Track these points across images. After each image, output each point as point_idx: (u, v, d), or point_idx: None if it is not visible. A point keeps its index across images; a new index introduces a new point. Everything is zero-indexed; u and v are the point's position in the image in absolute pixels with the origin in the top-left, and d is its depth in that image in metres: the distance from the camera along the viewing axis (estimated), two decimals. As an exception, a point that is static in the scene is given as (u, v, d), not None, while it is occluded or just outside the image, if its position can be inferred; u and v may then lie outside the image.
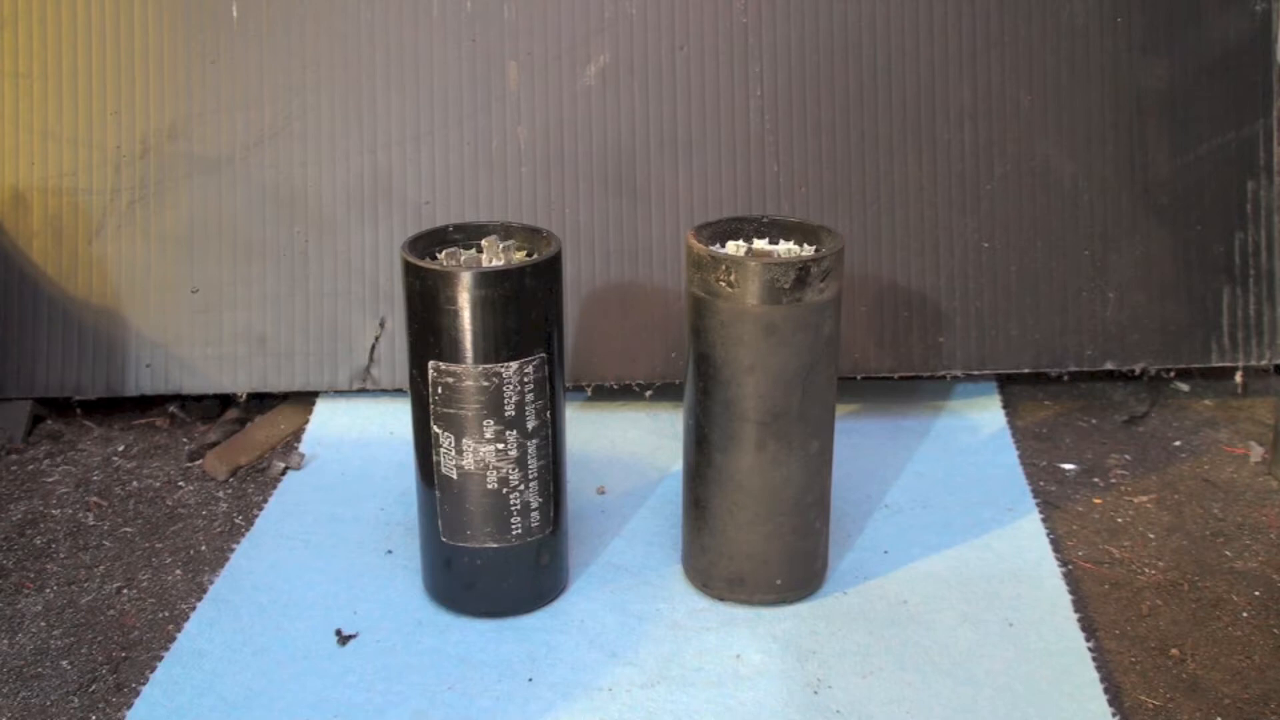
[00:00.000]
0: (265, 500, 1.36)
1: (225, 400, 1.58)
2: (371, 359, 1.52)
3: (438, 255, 1.11)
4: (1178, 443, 1.50)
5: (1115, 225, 1.54)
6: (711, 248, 1.11)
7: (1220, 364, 1.55)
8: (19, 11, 1.52)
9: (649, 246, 1.51)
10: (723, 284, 1.07)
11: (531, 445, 1.09)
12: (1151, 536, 1.29)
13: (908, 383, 1.61)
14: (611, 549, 1.27)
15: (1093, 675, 1.07)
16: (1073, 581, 1.21)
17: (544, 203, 1.52)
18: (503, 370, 1.06)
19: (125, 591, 1.20)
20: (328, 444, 1.48)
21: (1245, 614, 1.16)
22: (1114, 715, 1.02)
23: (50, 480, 1.41)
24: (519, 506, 1.10)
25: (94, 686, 1.06)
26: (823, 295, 1.08)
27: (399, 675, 1.07)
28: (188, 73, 1.52)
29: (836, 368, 1.14)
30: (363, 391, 1.53)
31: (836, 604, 1.17)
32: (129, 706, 1.03)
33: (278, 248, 1.52)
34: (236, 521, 1.33)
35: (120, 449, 1.49)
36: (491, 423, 1.07)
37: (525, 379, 1.07)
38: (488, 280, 1.04)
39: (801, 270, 1.06)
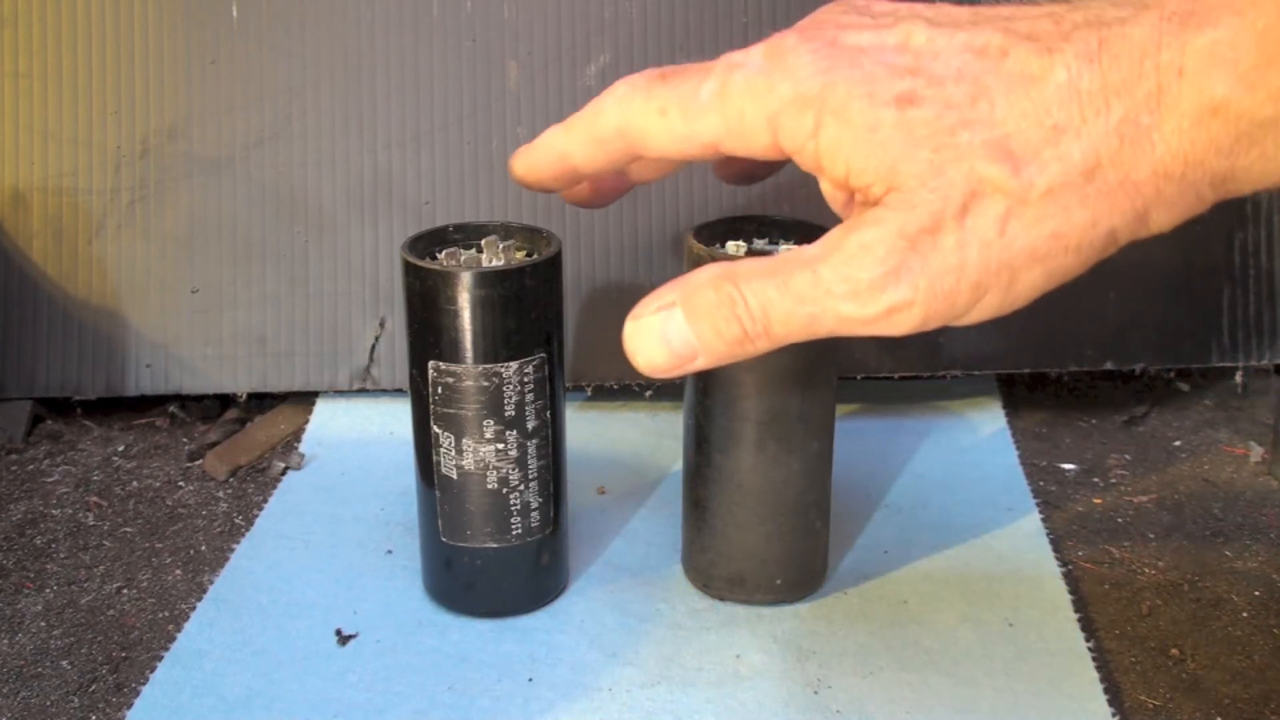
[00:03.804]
0: (265, 500, 1.36)
1: (225, 400, 1.58)
2: (371, 359, 1.52)
3: (438, 255, 1.11)
4: (1178, 443, 1.50)
5: (1115, 225, 1.53)
6: (711, 248, 1.11)
7: (1220, 364, 1.55)
8: (19, 11, 1.52)
9: (649, 246, 1.51)
10: (723, 284, 1.07)
11: (531, 445, 1.09)
12: (1151, 536, 1.29)
13: (908, 383, 1.61)
14: (611, 549, 1.27)
15: (1093, 675, 1.06)
16: (1073, 581, 1.21)
17: (544, 203, 1.52)
18: (503, 370, 1.06)
19: (125, 591, 1.20)
20: (328, 444, 1.48)
21: (1245, 614, 1.16)
22: (1114, 715, 1.02)
23: (50, 480, 1.41)
24: (519, 506, 1.10)
25: (94, 686, 1.06)
26: (823, 295, 1.07)
27: (399, 675, 1.07)
28: (188, 73, 1.52)
29: (836, 368, 1.14)
30: (363, 391, 1.53)
31: (836, 604, 1.17)
32: (129, 706, 1.03)
33: (278, 248, 1.52)
34: (236, 521, 1.33)
35: (120, 449, 1.49)
36: (491, 423, 1.07)
37: (525, 379, 1.07)
38: (488, 280, 1.04)
39: (801, 270, 1.05)
